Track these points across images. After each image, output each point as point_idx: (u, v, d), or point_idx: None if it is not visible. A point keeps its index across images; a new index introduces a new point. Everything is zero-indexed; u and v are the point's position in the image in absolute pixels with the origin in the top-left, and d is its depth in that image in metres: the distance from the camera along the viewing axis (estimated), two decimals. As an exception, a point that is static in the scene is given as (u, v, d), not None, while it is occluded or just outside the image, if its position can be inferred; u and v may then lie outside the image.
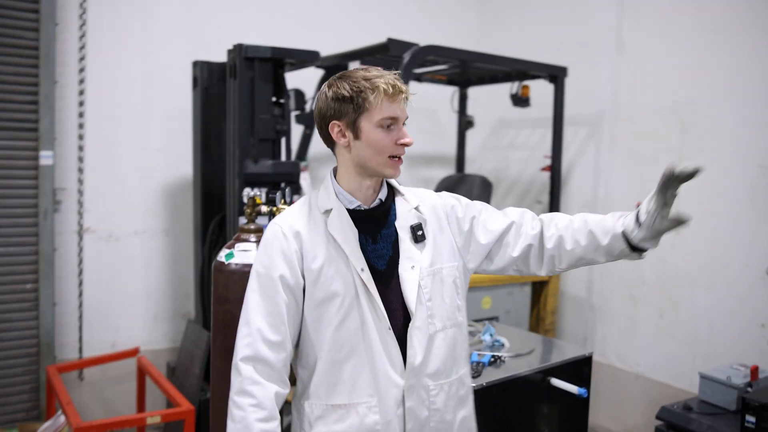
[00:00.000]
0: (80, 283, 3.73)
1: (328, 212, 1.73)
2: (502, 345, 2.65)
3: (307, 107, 3.65)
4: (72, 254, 3.75)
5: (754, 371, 2.86)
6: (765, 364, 3.03)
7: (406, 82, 3.15)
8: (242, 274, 2.18)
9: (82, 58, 3.65)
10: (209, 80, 3.43)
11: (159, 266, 4.02)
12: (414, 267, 1.75)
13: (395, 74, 1.69)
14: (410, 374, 1.71)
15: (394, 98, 1.65)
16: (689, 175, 1.62)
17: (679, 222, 1.70)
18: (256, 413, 1.64)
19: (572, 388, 2.41)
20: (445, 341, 1.78)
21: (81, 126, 3.69)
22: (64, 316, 3.73)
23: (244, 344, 1.68)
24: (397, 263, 1.76)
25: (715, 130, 3.55)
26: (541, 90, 4.06)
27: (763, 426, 2.58)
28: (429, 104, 4.66)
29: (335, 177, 1.78)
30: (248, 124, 3.08)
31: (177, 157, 3.97)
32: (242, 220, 2.40)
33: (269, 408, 1.65)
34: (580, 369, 2.60)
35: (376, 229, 1.76)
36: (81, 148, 3.70)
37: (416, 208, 1.81)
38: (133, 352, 3.59)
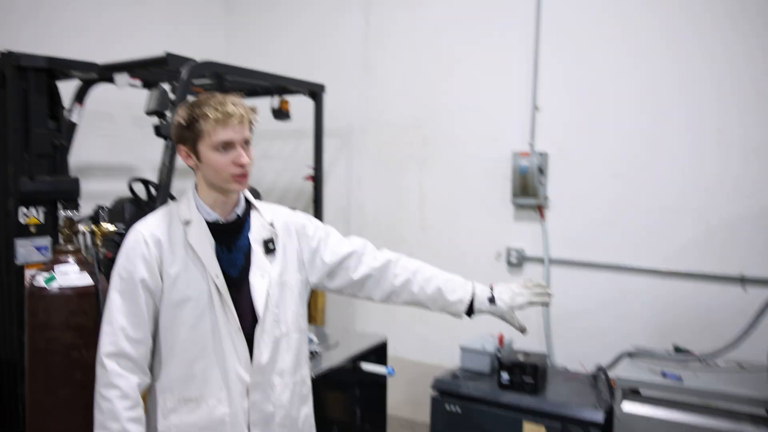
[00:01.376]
0: None
1: (188, 223, 1.88)
2: (311, 341, 2.89)
3: (74, 117, 3.43)
4: None
5: (501, 338, 3.52)
6: (504, 332, 3.72)
7: (183, 97, 3.21)
8: (65, 298, 2.11)
9: None
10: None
11: None
12: (264, 276, 1.95)
13: (234, 99, 1.86)
14: (256, 371, 1.90)
15: (225, 123, 1.82)
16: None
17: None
18: (123, 402, 1.78)
19: (381, 369, 2.75)
20: (290, 344, 2.00)
21: None
22: None
23: (107, 341, 1.80)
24: (248, 272, 1.93)
25: (451, 142, 4.23)
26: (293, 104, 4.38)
27: (515, 380, 3.22)
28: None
29: (197, 191, 1.92)
30: (22, 139, 2.84)
31: None
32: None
33: (133, 397, 1.81)
34: (379, 353, 2.96)
35: (231, 240, 1.94)
36: None
37: (270, 224, 2.00)
38: None
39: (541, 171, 3.84)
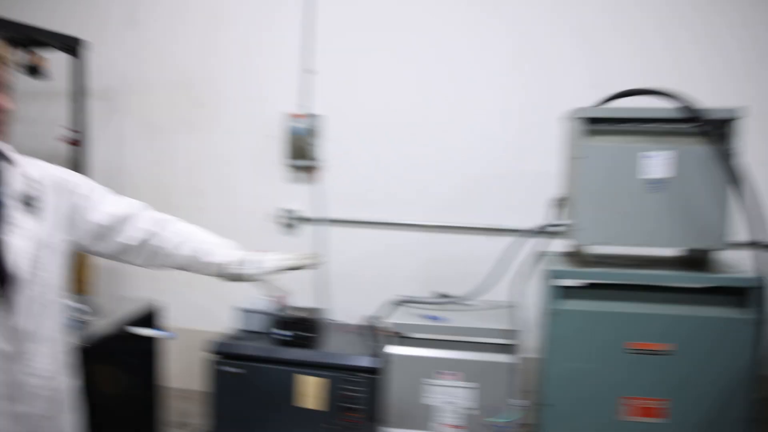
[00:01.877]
0: None
1: None
2: (79, 309, 2.70)
3: None
4: None
5: (279, 298, 3.57)
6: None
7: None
8: None
9: None
10: None
11: None
12: (22, 235, 1.75)
13: None
14: (15, 339, 1.72)
15: None
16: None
17: None
18: None
19: (157, 333, 2.65)
20: (53, 310, 1.84)
21: None
22: None
23: None
24: (1, 230, 1.73)
25: (224, 104, 4.16)
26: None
27: (295, 335, 3.31)
28: None
29: None
30: None
31: None
32: None
33: None
34: (151, 319, 2.85)
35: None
36: None
37: (32, 179, 1.80)
38: None
39: (315, 133, 3.93)
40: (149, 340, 2.93)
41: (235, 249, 2.14)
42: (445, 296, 3.41)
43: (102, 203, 1.96)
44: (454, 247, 3.84)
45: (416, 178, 3.89)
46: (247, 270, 2.12)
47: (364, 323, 3.58)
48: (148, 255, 2.04)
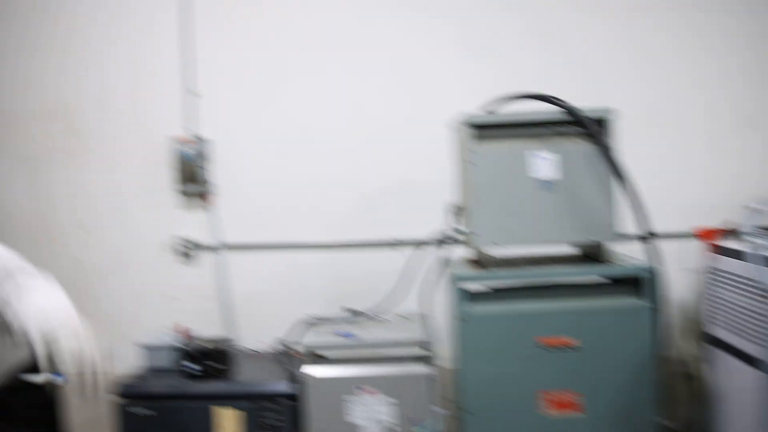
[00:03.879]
0: None
1: None
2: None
3: None
4: None
5: (183, 330, 3.45)
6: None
7: None
8: None
9: None
10: None
11: None
12: None
13: None
14: None
15: None
16: None
17: None
18: None
19: (48, 377, 2.43)
20: None
21: None
22: None
23: None
24: None
25: (104, 132, 3.94)
26: None
27: (203, 368, 3.19)
28: None
29: None
30: None
31: None
32: None
33: None
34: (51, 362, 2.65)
35: None
36: None
37: None
38: None
39: (204, 157, 3.82)
40: (43, 390, 2.70)
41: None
42: (355, 312, 3.42)
43: None
44: (358, 263, 3.84)
45: (311, 196, 3.87)
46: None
47: (276, 348, 3.53)
48: None
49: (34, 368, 2.57)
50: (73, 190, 4.00)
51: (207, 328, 3.78)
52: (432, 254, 3.28)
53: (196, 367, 3.19)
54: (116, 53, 3.92)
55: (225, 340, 3.41)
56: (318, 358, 3.09)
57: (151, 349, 3.35)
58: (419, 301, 3.30)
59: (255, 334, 3.82)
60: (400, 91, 3.81)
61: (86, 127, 3.96)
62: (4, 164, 4.03)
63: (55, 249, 4.02)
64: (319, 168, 3.86)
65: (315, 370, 3.04)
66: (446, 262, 3.12)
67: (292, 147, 3.86)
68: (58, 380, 2.44)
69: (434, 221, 3.26)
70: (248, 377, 3.22)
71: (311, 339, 3.15)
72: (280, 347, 3.48)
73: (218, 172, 3.88)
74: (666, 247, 2.90)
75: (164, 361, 3.33)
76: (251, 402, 3.07)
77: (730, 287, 2.98)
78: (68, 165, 3.99)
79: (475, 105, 3.07)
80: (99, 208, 3.99)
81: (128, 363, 3.75)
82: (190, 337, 3.44)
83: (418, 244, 3.48)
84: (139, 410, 3.10)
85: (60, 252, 4.02)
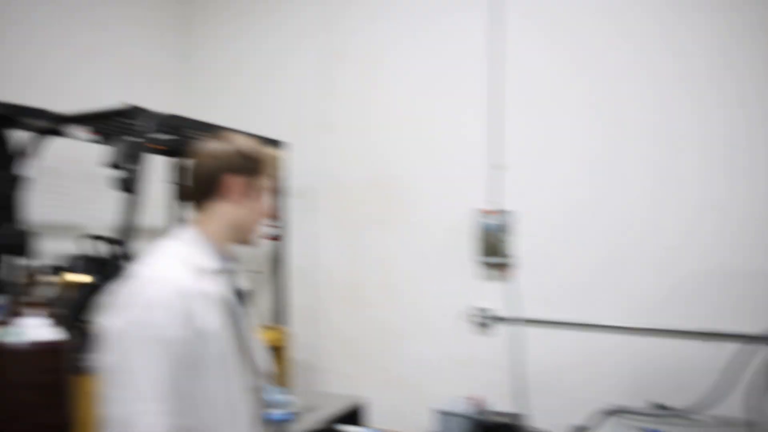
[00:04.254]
0: None
1: (205, 272, 1.67)
2: (292, 402, 2.72)
3: (25, 170, 3.24)
4: None
5: (477, 400, 3.40)
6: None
7: (146, 149, 3.11)
8: (28, 353, 1.92)
9: None
10: None
11: None
12: (254, 329, 1.83)
13: (275, 150, 1.80)
14: (259, 427, 1.78)
15: (275, 172, 1.79)
16: None
17: None
18: None
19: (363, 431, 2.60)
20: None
21: None
22: None
23: (160, 423, 1.48)
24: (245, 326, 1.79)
25: (415, 202, 4.20)
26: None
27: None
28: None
29: (203, 234, 1.74)
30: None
31: None
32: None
33: None
34: (355, 417, 2.81)
35: (236, 291, 1.78)
36: None
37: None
38: None
39: (507, 229, 3.84)
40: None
41: None
42: (664, 408, 3.07)
43: None
44: (665, 353, 3.47)
45: (617, 275, 3.63)
46: None
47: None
48: None
49: (343, 420, 2.76)
50: (382, 254, 4.30)
51: (497, 401, 3.70)
52: (762, 353, 2.84)
53: (487, 439, 3.11)
54: (429, 129, 4.20)
55: (517, 416, 3.29)
56: (619, 453, 2.81)
57: (445, 415, 3.35)
58: (745, 406, 2.85)
59: (547, 413, 3.63)
60: (732, 170, 3.45)
61: (402, 196, 4.26)
62: (328, 226, 4.50)
63: (362, 307, 4.33)
64: (627, 245, 3.62)
65: (615, 465, 2.76)
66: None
67: (599, 222, 3.70)
68: None
69: (762, 316, 2.83)
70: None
71: (611, 430, 2.88)
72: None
73: (519, 245, 3.87)
74: None
75: (456, 428, 3.31)
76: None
77: None
78: (381, 230, 4.31)
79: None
80: (404, 272, 4.22)
81: (419, 426, 3.82)
82: (483, 408, 3.38)
83: (745, 338, 3.04)
84: (429, 473, 3.10)
85: (366, 310, 4.32)
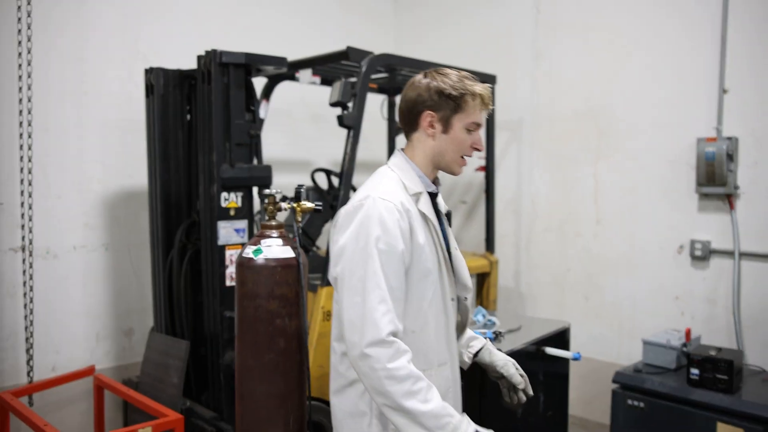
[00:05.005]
0: (21, 304, 3.49)
1: (417, 194, 1.85)
2: (494, 323, 2.90)
3: (261, 112, 3.70)
4: (7, 273, 3.51)
5: (688, 333, 3.32)
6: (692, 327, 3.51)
7: (364, 89, 3.35)
8: (270, 268, 2.25)
9: (19, 65, 3.44)
10: (165, 87, 3.38)
11: (100, 282, 3.85)
12: (457, 248, 1.99)
13: (486, 85, 1.86)
14: (461, 339, 2.00)
15: (485, 107, 1.84)
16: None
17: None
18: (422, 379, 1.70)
19: (567, 354, 2.70)
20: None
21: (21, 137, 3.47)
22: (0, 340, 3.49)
23: (386, 321, 1.68)
24: (449, 243, 1.96)
25: (629, 132, 4.05)
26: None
27: (706, 376, 3.02)
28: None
29: (412, 161, 1.90)
30: (224, 130, 3.10)
31: (115, 169, 3.86)
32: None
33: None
34: (562, 338, 2.91)
35: (438, 212, 1.96)
36: (22, 160, 3.47)
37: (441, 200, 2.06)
38: (89, 371, 3.43)
39: (730, 157, 3.58)
40: (560, 362, 2.97)
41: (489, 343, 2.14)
42: None
43: None
44: None
45: None
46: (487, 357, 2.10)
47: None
48: None
49: (549, 342, 2.87)
50: (594, 188, 4.23)
51: (711, 337, 3.57)
52: None
53: (699, 372, 3.03)
54: (645, 56, 3.98)
55: (733, 351, 3.15)
56: None
57: (652, 345, 3.32)
58: None
59: (765, 352, 3.43)
60: None
61: (613, 128, 4.13)
62: (538, 158, 4.52)
63: (572, 239, 4.33)
64: None
65: None
66: None
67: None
68: (573, 357, 2.69)
69: None
70: (759, 399, 2.91)
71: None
72: (801, 375, 3.04)
73: (741, 173, 3.59)
74: None
75: (665, 359, 3.27)
76: (761, 426, 2.77)
77: None
78: (593, 163, 4.23)
79: None
80: (617, 205, 4.13)
81: (627, 355, 3.82)
82: (693, 341, 3.30)
83: None
84: (633, 402, 3.12)
85: (576, 242, 4.32)
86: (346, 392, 1.89)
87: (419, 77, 1.88)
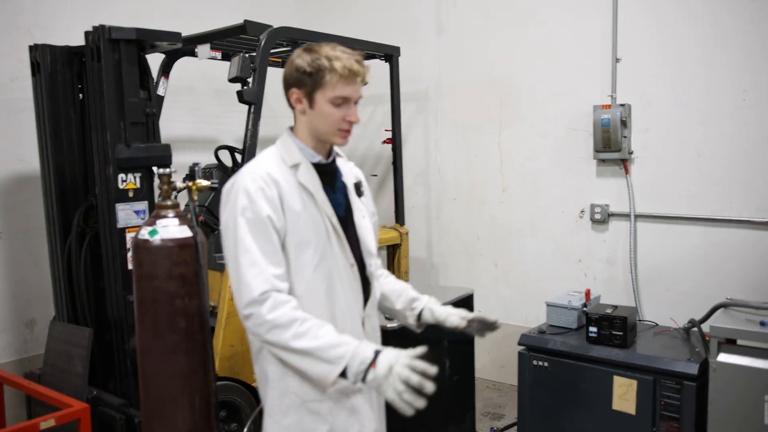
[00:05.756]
0: None
1: (296, 166, 1.87)
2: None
3: (161, 90, 3.58)
4: None
5: (588, 293, 3.48)
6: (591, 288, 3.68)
7: (264, 64, 3.30)
8: (167, 249, 2.20)
9: None
10: (53, 65, 3.21)
11: (-5, 272, 3.68)
12: (364, 217, 2.01)
13: (357, 56, 1.84)
14: (369, 306, 1.98)
15: (348, 80, 1.80)
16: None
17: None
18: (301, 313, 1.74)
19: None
20: (378, 283, 2.08)
21: None
22: None
23: (259, 281, 1.72)
24: (352, 212, 1.98)
25: (530, 100, 4.17)
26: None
27: (603, 333, 3.17)
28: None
29: (295, 135, 1.93)
30: (117, 109, 2.98)
31: (4, 153, 3.66)
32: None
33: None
34: (467, 304, 2.99)
35: (332, 182, 1.96)
36: None
37: (353, 171, 2.08)
38: (-13, 366, 3.28)
39: (624, 123, 3.74)
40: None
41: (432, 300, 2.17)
42: (782, 301, 2.98)
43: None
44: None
45: (741, 168, 3.47)
46: (437, 309, 2.13)
47: (684, 326, 3.30)
48: None
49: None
50: (498, 156, 4.34)
51: (611, 296, 3.75)
52: None
53: (597, 330, 3.19)
54: (543, 26, 4.09)
55: (628, 309, 3.32)
56: (732, 345, 2.80)
57: (555, 307, 3.46)
58: None
59: (660, 308, 3.65)
60: None
61: (514, 98, 4.24)
62: (444, 129, 4.59)
63: (479, 207, 4.44)
64: (748, 139, 3.43)
65: (730, 358, 2.76)
66: None
67: (717, 117, 3.51)
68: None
69: None
70: (650, 351, 3.09)
71: (727, 323, 2.85)
72: (688, 326, 3.24)
73: (635, 139, 3.76)
74: None
75: (567, 320, 3.41)
76: (650, 376, 2.95)
77: None
78: (497, 132, 4.33)
79: None
80: (521, 172, 4.25)
81: (536, 319, 3.96)
82: (593, 300, 3.46)
83: None
84: (538, 362, 3.25)
85: (484, 210, 4.42)
86: (257, 359, 1.93)
87: (292, 56, 1.88)
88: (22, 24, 3.67)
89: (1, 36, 3.63)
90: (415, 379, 1.59)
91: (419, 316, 2.14)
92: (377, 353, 1.67)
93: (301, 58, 1.83)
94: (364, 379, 1.65)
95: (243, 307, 1.73)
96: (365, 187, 2.12)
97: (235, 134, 4.58)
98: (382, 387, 1.62)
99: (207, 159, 3.82)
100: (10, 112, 3.64)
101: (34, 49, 3.25)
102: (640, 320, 3.56)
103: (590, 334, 3.21)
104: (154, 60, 3.54)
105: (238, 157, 3.81)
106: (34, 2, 3.75)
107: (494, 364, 4.26)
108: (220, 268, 3.29)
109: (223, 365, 3.08)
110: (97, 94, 3.02)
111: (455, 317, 2.09)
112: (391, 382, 1.60)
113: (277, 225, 1.79)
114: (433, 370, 1.62)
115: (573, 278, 3.99)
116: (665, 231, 3.70)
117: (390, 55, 4.18)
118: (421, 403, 1.58)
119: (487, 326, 2.10)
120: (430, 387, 1.58)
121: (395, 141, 4.27)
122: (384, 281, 2.18)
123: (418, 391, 1.59)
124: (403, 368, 1.61)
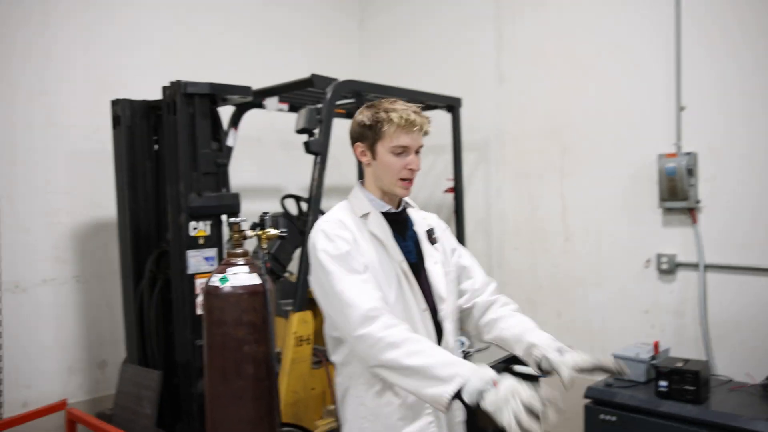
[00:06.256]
0: (-10, 340, 3.46)
1: (366, 215, 1.98)
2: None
3: (230, 140, 3.72)
4: (-25, 309, 3.48)
5: (656, 346, 3.38)
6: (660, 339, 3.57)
7: (329, 115, 3.40)
8: (237, 296, 2.27)
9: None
10: (132, 119, 3.40)
11: (71, 315, 3.83)
12: (437, 263, 2.06)
13: (415, 108, 1.96)
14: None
15: (406, 129, 1.93)
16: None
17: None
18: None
19: (533, 371, 2.73)
20: (455, 329, 2.09)
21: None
22: (-30, 377, 3.45)
23: (364, 299, 1.80)
24: (423, 259, 2.03)
25: (592, 149, 4.14)
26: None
27: (674, 387, 3.07)
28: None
29: (364, 186, 2.05)
30: (191, 159, 3.12)
31: (84, 200, 3.86)
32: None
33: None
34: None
35: (403, 230, 2.03)
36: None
37: (425, 218, 2.13)
38: (61, 405, 3.39)
39: (690, 172, 3.67)
40: (530, 380, 3.00)
41: (552, 341, 2.01)
42: None
43: (464, 251, 2.23)
44: None
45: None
46: (552, 358, 1.95)
47: (762, 383, 3.16)
48: (475, 325, 2.18)
49: (516, 361, 2.91)
50: (561, 204, 4.30)
51: (681, 349, 3.63)
52: None
53: (668, 384, 3.08)
54: (603, 74, 4.07)
55: (700, 362, 3.21)
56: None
57: (622, 359, 3.35)
58: None
59: (734, 363, 3.49)
60: None
61: (577, 146, 4.22)
62: (505, 177, 4.59)
63: (542, 256, 4.39)
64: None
65: (808, 416, 2.64)
66: None
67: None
68: (543, 375, 2.71)
69: None
70: (724, 407, 2.96)
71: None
72: (767, 383, 3.10)
73: (702, 188, 3.68)
74: None
75: (635, 373, 3.32)
76: (724, 434, 2.83)
77: None
78: (558, 180, 4.31)
79: None
80: (584, 221, 4.20)
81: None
82: (662, 353, 3.36)
83: None
84: (605, 416, 3.16)
85: (546, 259, 4.38)
86: (342, 404, 2.03)
87: (357, 112, 2.02)
88: (107, 81, 3.90)
89: (87, 92, 3.86)
90: (539, 406, 1.55)
91: (539, 365, 2.00)
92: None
93: (362, 114, 1.97)
94: (481, 398, 1.60)
95: (355, 327, 1.78)
96: (442, 232, 2.17)
97: (300, 183, 4.70)
98: (501, 409, 1.57)
99: (273, 207, 3.93)
100: (91, 163, 3.84)
101: (116, 104, 3.45)
102: (713, 375, 3.42)
103: (660, 388, 3.11)
104: (225, 112, 3.70)
105: (304, 205, 3.91)
106: (117, 61, 3.99)
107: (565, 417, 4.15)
108: (285, 314, 3.35)
109: (287, 411, 3.12)
110: (172, 146, 3.18)
111: (567, 370, 1.92)
112: (513, 405, 1.55)
113: (359, 258, 1.89)
114: (559, 404, 1.59)
115: (639, 330, 3.88)
116: (737, 282, 3.58)
117: (451, 105, 4.25)
118: (537, 429, 1.53)
119: (605, 371, 1.97)
120: (553, 416, 1.56)
121: (457, 189, 4.30)
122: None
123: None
124: (527, 394, 1.57)
